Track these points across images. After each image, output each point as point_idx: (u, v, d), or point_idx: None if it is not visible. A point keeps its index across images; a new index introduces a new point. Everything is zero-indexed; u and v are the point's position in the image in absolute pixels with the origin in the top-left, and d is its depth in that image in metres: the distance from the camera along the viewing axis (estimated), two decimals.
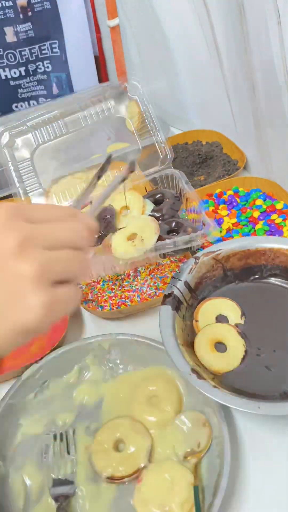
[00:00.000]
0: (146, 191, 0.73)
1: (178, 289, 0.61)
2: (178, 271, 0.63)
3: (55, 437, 0.55)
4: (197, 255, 0.65)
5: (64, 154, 0.72)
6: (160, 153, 0.69)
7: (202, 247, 0.69)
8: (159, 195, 0.70)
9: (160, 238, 0.61)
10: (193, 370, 0.51)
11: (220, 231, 0.78)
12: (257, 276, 0.66)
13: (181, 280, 0.62)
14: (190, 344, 0.58)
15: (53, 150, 0.74)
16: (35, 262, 0.28)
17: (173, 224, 0.64)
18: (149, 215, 0.66)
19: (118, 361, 0.62)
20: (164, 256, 0.61)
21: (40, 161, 0.73)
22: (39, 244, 0.29)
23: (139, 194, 0.68)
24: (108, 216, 0.65)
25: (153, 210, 0.67)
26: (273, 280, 0.65)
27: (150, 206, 0.68)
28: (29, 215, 0.30)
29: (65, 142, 0.73)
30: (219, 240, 0.76)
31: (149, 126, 0.70)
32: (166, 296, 0.60)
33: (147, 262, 0.67)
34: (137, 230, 0.62)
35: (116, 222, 0.65)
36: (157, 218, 0.65)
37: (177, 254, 0.65)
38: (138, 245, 0.60)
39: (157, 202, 0.69)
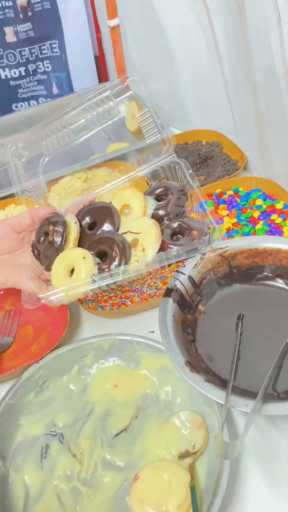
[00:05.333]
0: (148, 184, 0.67)
1: (182, 283, 0.61)
2: (183, 265, 0.63)
3: (55, 437, 0.55)
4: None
5: (64, 154, 0.72)
6: (162, 142, 0.65)
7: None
8: (161, 189, 0.64)
9: (163, 244, 0.56)
10: (187, 363, 0.51)
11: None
12: (262, 276, 0.66)
13: (185, 274, 0.62)
14: (189, 339, 0.58)
15: (53, 149, 0.74)
16: None
17: (177, 225, 0.59)
18: (153, 214, 0.61)
19: (118, 361, 0.62)
20: (169, 265, 0.57)
21: (39, 161, 0.73)
22: None
23: (139, 192, 0.63)
24: (58, 229, 0.57)
25: (156, 208, 0.61)
26: (279, 281, 0.65)
27: (152, 203, 0.62)
28: None
29: (65, 141, 0.73)
30: (219, 240, 0.76)
31: (154, 122, 0.66)
32: (168, 289, 0.60)
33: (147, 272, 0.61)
34: (138, 236, 0.57)
35: (70, 237, 0.58)
36: (162, 217, 0.61)
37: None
38: (138, 255, 0.56)
39: (160, 198, 0.64)
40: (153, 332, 0.63)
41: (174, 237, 0.59)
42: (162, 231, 0.57)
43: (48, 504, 0.50)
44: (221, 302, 0.64)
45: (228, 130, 0.95)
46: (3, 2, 0.94)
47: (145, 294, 0.70)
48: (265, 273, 0.66)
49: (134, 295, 0.70)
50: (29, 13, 0.98)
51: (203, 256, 0.64)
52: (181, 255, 0.55)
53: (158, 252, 0.56)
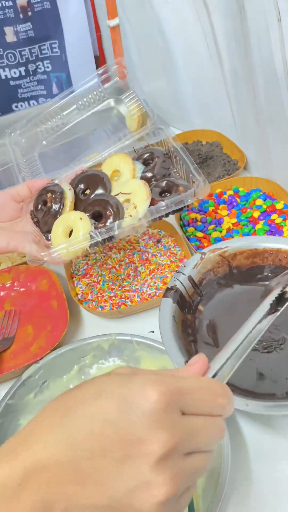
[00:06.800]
0: (135, 151, 0.72)
1: (181, 283, 0.61)
2: (183, 265, 0.63)
3: None
4: (203, 251, 0.64)
5: (64, 153, 0.72)
6: (147, 113, 0.70)
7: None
8: (148, 154, 0.69)
9: (152, 201, 0.61)
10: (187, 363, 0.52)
11: (221, 231, 0.78)
12: (262, 276, 0.66)
13: (184, 275, 0.62)
14: (189, 339, 0.58)
15: (52, 149, 0.74)
16: (169, 478, 0.27)
17: (164, 184, 0.64)
18: (141, 177, 0.66)
19: (118, 361, 0.62)
20: (160, 218, 0.61)
21: (39, 161, 0.73)
22: (180, 452, 0.28)
23: (127, 156, 0.67)
24: (56, 196, 0.63)
25: (144, 171, 0.67)
26: None
27: (140, 167, 0.67)
28: (185, 404, 0.29)
29: (64, 141, 0.73)
30: (219, 239, 0.76)
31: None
32: (168, 289, 0.60)
33: (142, 228, 0.71)
34: (129, 196, 0.62)
35: (66, 202, 0.63)
36: (150, 179, 0.65)
37: (171, 214, 0.64)
38: (131, 212, 0.61)
39: (146, 162, 0.69)
40: (153, 332, 0.63)
41: (163, 195, 0.64)
42: (151, 191, 0.62)
43: None
44: (221, 303, 0.64)
45: (228, 130, 0.95)
46: (3, 2, 0.94)
47: (145, 294, 0.70)
48: (265, 273, 0.66)
49: (134, 295, 0.70)
50: (29, 13, 0.97)
51: (203, 256, 0.64)
52: (170, 207, 0.60)
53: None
